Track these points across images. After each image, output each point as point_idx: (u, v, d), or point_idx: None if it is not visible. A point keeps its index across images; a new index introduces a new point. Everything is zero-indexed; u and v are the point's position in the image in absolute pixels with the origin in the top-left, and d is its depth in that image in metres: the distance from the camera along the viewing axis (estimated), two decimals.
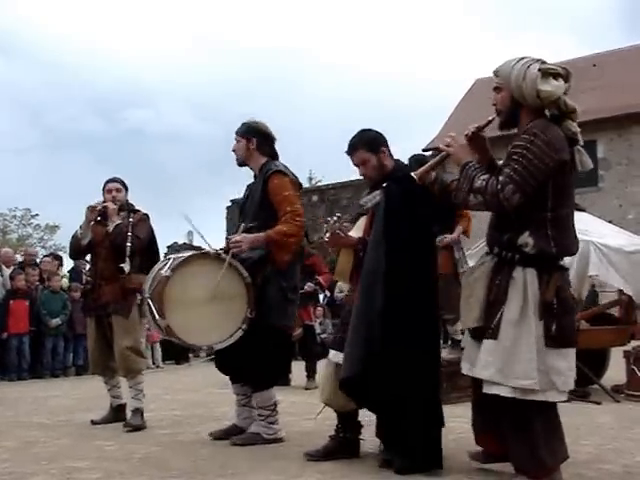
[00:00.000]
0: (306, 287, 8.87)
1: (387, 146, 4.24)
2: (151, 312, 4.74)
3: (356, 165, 4.25)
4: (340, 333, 4.23)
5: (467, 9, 78.37)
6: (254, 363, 4.71)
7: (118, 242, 5.59)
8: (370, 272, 3.95)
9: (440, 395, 4.12)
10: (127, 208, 5.85)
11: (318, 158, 70.53)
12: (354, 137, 4.24)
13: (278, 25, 76.22)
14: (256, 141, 4.93)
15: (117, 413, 5.90)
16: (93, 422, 5.81)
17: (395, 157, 4.32)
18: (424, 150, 25.40)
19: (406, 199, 3.98)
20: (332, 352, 4.25)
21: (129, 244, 5.55)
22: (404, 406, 3.90)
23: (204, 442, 4.94)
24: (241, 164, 5.05)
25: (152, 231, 5.94)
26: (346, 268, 4.28)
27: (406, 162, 4.50)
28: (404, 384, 3.87)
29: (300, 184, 5.06)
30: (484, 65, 68.63)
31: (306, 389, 8.57)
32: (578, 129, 3.44)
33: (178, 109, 75.90)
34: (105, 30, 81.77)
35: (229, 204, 27.47)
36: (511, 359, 3.33)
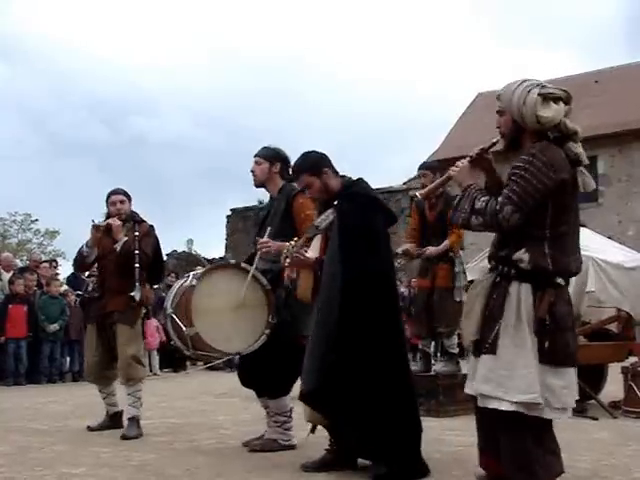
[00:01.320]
0: None
1: (330, 166, 4.38)
2: (175, 326, 4.92)
3: (303, 189, 4.49)
4: None
5: (470, 25, 78.76)
6: (273, 371, 4.84)
7: (125, 261, 5.63)
8: (327, 287, 4.07)
9: (414, 402, 4.18)
10: (132, 219, 5.86)
11: None
12: (296, 162, 4.48)
13: (280, 35, 76.58)
14: (280, 166, 5.12)
15: (114, 420, 5.88)
16: (89, 428, 5.80)
17: (342, 174, 4.46)
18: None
19: (357, 214, 4.15)
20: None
21: (137, 265, 5.58)
22: (367, 415, 3.95)
23: (200, 450, 4.94)
24: (259, 185, 5.20)
25: (158, 243, 5.97)
26: (308, 287, 4.36)
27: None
28: (364, 393, 3.94)
29: None
30: (486, 79, 69.01)
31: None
32: (581, 150, 3.45)
33: (181, 117, 76.09)
34: (109, 38, 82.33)
35: (229, 213, 27.51)
36: (511, 374, 3.32)
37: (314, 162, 4.36)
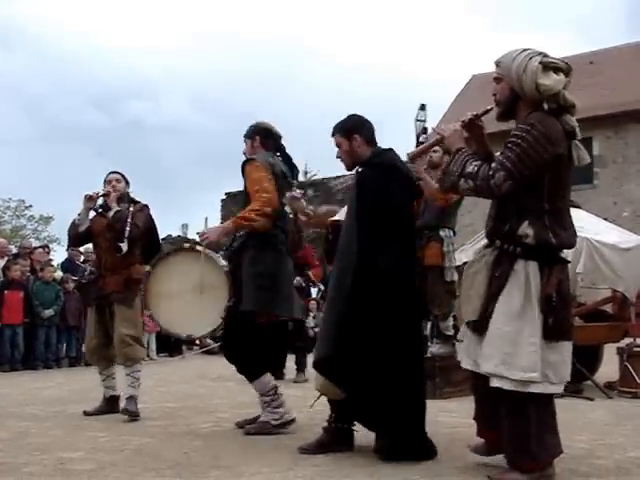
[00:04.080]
0: (294, 282, 8.77)
1: (363, 133, 4.33)
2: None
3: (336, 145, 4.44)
4: None
5: (467, 7, 78.34)
6: (240, 353, 4.93)
7: (117, 228, 5.65)
8: (342, 256, 4.08)
9: (423, 381, 4.19)
10: (128, 199, 5.93)
11: (314, 152, 70.44)
12: (338, 122, 4.43)
13: (278, 18, 76.11)
14: (259, 139, 5.17)
15: (110, 404, 5.90)
16: (86, 413, 5.80)
17: (385, 147, 4.41)
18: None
19: (377, 183, 4.09)
20: None
21: (128, 229, 5.62)
22: (378, 386, 3.95)
23: (197, 434, 4.95)
24: None
25: (152, 220, 5.98)
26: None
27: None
28: (376, 364, 3.92)
29: (273, 166, 5.05)
30: (481, 61, 68.77)
31: (295, 382, 8.56)
32: (576, 124, 3.45)
33: (178, 101, 75.65)
34: (105, 22, 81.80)
35: (224, 197, 27.46)
36: (514, 351, 3.35)
37: (348, 125, 4.37)
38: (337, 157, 4.43)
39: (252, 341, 4.85)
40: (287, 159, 5.25)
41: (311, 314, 15.64)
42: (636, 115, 22.87)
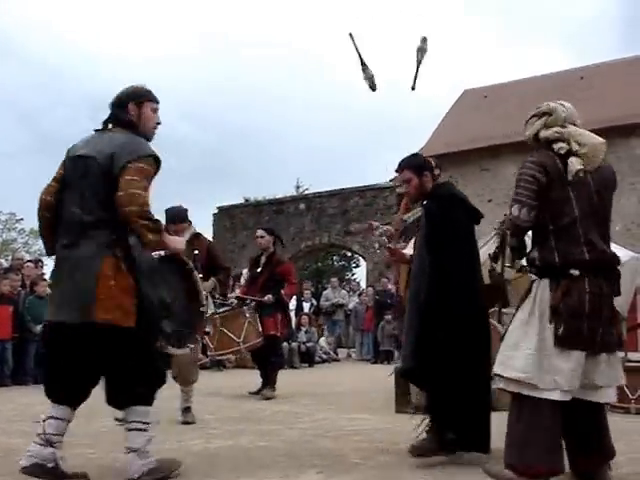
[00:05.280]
0: (265, 298, 8.73)
1: (431, 171, 4.83)
2: None
3: (401, 182, 4.88)
4: None
5: (460, 22, 78.77)
6: None
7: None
8: (416, 275, 4.54)
9: (490, 383, 4.56)
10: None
11: (306, 167, 70.54)
12: (405, 158, 4.88)
13: (269, 30, 76.23)
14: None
15: None
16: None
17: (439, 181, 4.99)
18: None
19: (443, 212, 4.57)
20: None
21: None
22: (455, 390, 4.40)
23: (188, 451, 4.91)
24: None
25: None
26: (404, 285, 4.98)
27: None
28: (451, 369, 4.35)
29: None
30: (473, 76, 69.15)
31: (266, 398, 8.38)
32: (565, 146, 3.82)
33: (170, 114, 75.47)
34: (99, 33, 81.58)
35: (216, 211, 27.41)
36: (513, 354, 3.72)
37: (420, 163, 4.84)
38: (403, 190, 4.83)
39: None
40: None
41: (303, 329, 15.68)
42: (627, 130, 22.97)
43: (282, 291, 8.83)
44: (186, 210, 6.85)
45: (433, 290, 4.37)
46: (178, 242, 4.18)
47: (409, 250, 4.79)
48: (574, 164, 3.73)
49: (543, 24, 74.86)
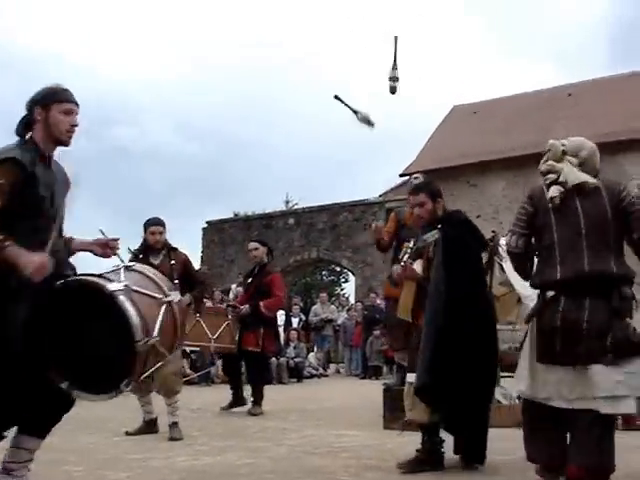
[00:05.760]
0: (242, 307, 8.56)
1: (443, 198, 5.07)
2: None
3: (414, 205, 5.03)
4: (415, 357, 4.88)
5: (448, 38, 79.17)
6: None
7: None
8: (433, 295, 4.69)
9: (489, 403, 5.07)
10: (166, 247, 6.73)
11: (295, 182, 70.61)
12: (423, 183, 5.34)
13: (258, 43, 76.32)
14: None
15: (150, 426, 6.60)
16: (127, 433, 6.46)
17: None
18: (401, 175, 25.58)
19: (459, 238, 4.81)
20: (409, 374, 4.94)
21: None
22: (466, 405, 4.64)
23: (174, 468, 4.88)
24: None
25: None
26: (408, 303, 5.11)
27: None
28: (464, 385, 4.54)
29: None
30: (462, 92, 69.51)
31: (253, 414, 8.29)
32: (551, 176, 4.06)
33: (162, 127, 75.26)
34: (90, 47, 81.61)
35: (205, 225, 27.38)
36: (518, 372, 4.12)
37: (435, 189, 5.08)
38: (416, 213, 5.01)
39: None
40: None
41: (291, 344, 15.65)
42: (614, 147, 23.12)
43: (261, 303, 8.49)
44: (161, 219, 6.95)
45: (450, 312, 4.57)
46: (31, 261, 3.25)
47: (418, 268, 5.00)
48: (550, 192, 3.97)
49: (532, 41, 75.35)
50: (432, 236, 4.91)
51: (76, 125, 3.61)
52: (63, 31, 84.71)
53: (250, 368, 8.81)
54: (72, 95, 3.62)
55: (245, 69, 71.96)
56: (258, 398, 8.56)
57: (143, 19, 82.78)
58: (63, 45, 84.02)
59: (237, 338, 8.51)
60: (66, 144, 3.61)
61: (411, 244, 5.12)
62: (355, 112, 5.68)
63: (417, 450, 4.83)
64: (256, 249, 8.89)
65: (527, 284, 4.28)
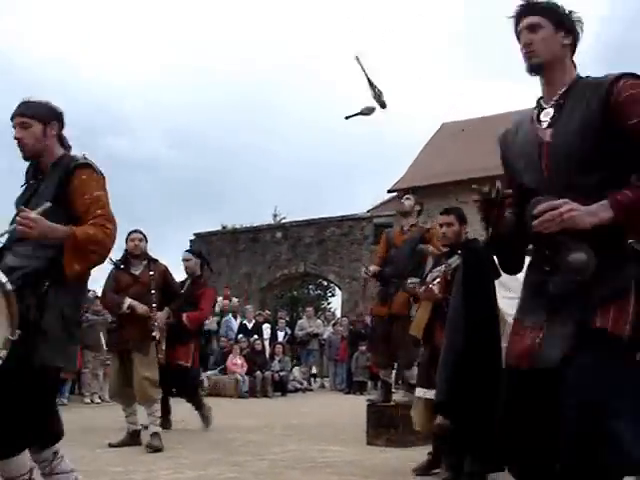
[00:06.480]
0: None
1: (466, 225, 5.44)
2: None
3: (442, 224, 5.36)
4: (424, 373, 5.33)
5: (435, 56, 79.66)
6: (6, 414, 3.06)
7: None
8: (453, 319, 4.92)
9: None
10: (146, 258, 7.01)
11: (283, 196, 70.55)
12: (453, 207, 5.63)
13: (252, 55, 76.34)
14: (57, 127, 3.51)
15: (133, 437, 6.69)
16: (110, 445, 6.54)
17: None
18: (389, 191, 25.68)
19: (478, 264, 4.95)
20: (418, 389, 5.37)
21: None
22: (482, 419, 4.59)
23: None
24: (32, 157, 3.52)
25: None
26: (422, 321, 5.39)
27: None
28: (480, 409, 4.54)
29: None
30: (450, 109, 69.87)
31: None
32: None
33: (153, 137, 75.10)
34: (82, 56, 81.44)
35: (192, 237, 27.36)
36: None
37: (463, 214, 5.42)
38: (442, 231, 5.34)
39: (40, 401, 3.26)
40: None
41: (276, 358, 15.63)
42: None
43: (184, 314, 7.77)
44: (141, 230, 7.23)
45: (469, 335, 4.78)
46: None
47: (435, 288, 5.28)
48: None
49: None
50: (455, 260, 5.21)
51: (16, 138, 3.48)
52: (55, 39, 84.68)
53: (179, 382, 8.01)
54: (18, 108, 3.46)
55: (237, 77, 72.09)
56: (201, 406, 8.19)
57: (142, 22, 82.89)
58: (53, 53, 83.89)
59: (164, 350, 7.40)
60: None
61: (443, 268, 5.36)
62: (372, 85, 5.17)
63: (428, 453, 5.33)
64: (188, 260, 8.42)
65: (512, 302, 4.32)
